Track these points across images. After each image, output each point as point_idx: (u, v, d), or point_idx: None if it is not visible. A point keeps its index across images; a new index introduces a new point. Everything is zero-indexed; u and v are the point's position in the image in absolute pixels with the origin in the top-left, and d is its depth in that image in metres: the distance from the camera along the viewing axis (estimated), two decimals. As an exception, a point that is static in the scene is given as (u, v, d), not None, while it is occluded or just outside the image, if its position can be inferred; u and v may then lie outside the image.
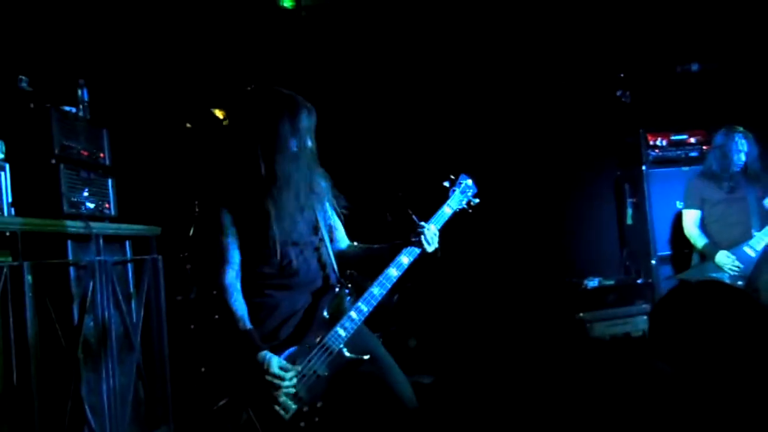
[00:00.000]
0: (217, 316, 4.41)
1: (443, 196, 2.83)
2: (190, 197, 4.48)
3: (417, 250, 2.66)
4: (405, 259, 2.65)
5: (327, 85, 4.91)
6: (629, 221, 5.41)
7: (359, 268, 2.83)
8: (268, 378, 2.42)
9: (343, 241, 2.85)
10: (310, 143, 2.62)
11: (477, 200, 2.90)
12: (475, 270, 5.37)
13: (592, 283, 5.05)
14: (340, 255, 2.79)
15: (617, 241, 5.63)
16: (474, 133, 5.45)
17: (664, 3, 5.11)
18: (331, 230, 2.79)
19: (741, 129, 4.40)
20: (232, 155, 2.67)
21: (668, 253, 5.09)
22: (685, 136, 5.20)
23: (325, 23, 4.95)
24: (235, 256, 2.58)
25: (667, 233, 5.08)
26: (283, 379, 2.44)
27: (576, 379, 4.60)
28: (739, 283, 4.14)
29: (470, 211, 2.89)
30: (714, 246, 4.33)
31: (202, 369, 4.31)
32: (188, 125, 4.76)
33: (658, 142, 5.24)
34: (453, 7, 5.19)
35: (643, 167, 5.20)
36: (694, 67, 5.25)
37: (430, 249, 2.65)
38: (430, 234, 2.65)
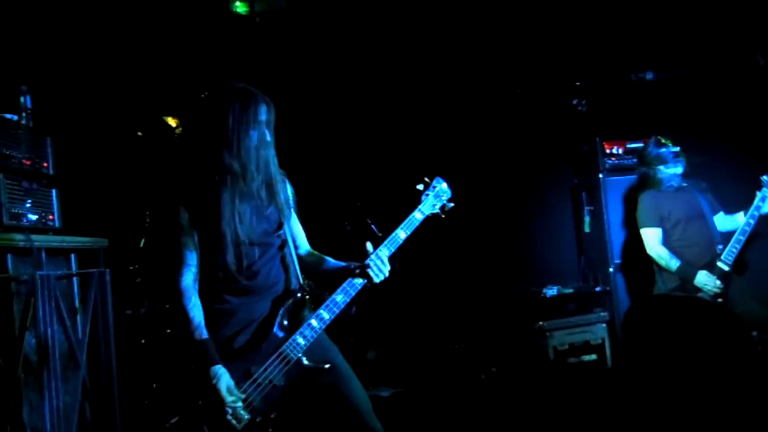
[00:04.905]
0: (169, 330, 4.32)
1: (416, 200, 2.73)
2: (140, 208, 4.35)
3: (362, 281, 2.56)
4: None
5: (282, 91, 4.82)
6: (587, 229, 5.42)
7: (313, 280, 2.74)
8: (216, 392, 2.34)
9: (303, 246, 2.75)
10: (269, 137, 2.51)
11: (452, 204, 2.80)
12: (434, 280, 5.33)
13: (551, 291, 5.03)
14: (299, 260, 2.69)
15: (575, 249, 5.63)
16: (432, 142, 5.42)
17: (619, 11, 5.15)
18: (293, 237, 2.69)
19: (670, 143, 4.44)
20: (188, 152, 2.57)
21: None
22: (640, 144, 5.21)
23: (278, 29, 4.86)
24: (192, 258, 2.47)
25: (625, 241, 5.09)
26: (226, 398, 2.36)
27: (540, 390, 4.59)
28: (720, 300, 4.08)
29: (443, 216, 2.78)
30: (690, 266, 4.21)
31: (154, 385, 4.17)
32: (139, 134, 4.61)
33: (614, 150, 5.25)
34: (412, 15, 5.16)
35: (600, 175, 5.21)
36: (649, 75, 5.29)
37: (377, 280, 2.55)
38: (377, 264, 2.54)
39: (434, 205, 2.77)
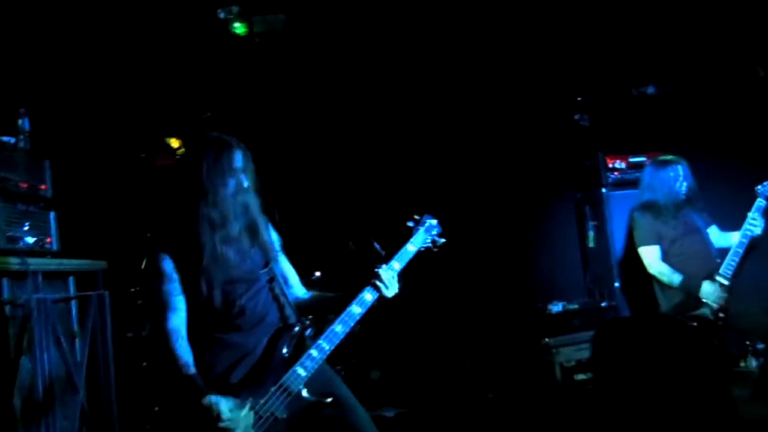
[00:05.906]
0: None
1: (407, 235, 2.76)
2: (141, 229, 4.33)
3: (375, 294, 2.55)
4: (368, 296, 2.55)
5: (282, 111, 4.83)
6: (591, 244, 5.36)
7: (316, 316, 2.72)
8: (221, 425, 2.26)
9: (299, 288, 2.76)
10: (246, 183, 2.53)
11: (443, 240, 2.84)
12: (438, 298, 5.28)
13: (556, 307, 4.95)
14: (296, 304, 2.68)
15: (580, 264, 5.57)
16: (435, 158, 5.41)
17: (620, 26, 5.15)
18: (284, 279, 2.69)
19: (676, 157, 4.40)
20: (170, 198, 2.58)
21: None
22: (643, 158, 5.18)
23: (278, 50, 4.88)
24: (178, 302, 2.46)
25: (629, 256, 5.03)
26: (237, 416, 2.29)
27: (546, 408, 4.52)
28: (721, 315, 4.00)
29: (435, 250, 2.83)
30: (693, 279, 4.13)
31: (155, 409, 4.13)
32: (142, 155, 4.61)
33: (616, 165, 5.22)
34: (409, 37, 5.17)
35: (603, 190, 5.17)
36: (650, 89, 5.26)
37: (389, 294, 2.55)
38: (388, 276, 2.55)
39: (426, 240, 2.81)
